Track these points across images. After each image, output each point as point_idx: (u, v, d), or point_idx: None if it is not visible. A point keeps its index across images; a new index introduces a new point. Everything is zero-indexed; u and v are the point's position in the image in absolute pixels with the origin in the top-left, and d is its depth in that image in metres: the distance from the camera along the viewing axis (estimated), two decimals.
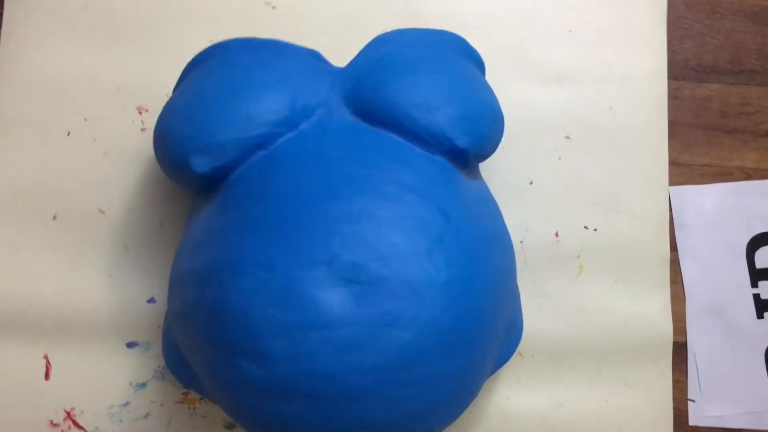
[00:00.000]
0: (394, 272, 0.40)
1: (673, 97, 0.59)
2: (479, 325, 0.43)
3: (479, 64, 0.53)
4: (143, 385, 0.54)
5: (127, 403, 0.53)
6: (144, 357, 0.54)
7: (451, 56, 0.50)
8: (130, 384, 0.54)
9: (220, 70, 0.48)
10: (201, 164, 0.45)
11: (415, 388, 0.41)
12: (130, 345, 0.54)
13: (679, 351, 0.56)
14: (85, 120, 0.56)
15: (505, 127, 0.57)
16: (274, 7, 0.58)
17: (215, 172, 0.45)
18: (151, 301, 0.54)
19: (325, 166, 0.44)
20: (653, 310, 0.56)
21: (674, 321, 0.57)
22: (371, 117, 0.47)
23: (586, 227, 0.57)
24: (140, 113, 0.56)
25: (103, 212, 0.55)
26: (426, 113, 0.46)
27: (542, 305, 0.56)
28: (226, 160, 0.45)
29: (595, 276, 0.57)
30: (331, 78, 0.49)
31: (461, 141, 0.46)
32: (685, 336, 0.57)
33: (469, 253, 0.43)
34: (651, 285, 0.57)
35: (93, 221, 0.55)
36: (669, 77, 0.59)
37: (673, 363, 0.56)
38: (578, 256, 0.57)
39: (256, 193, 0.44)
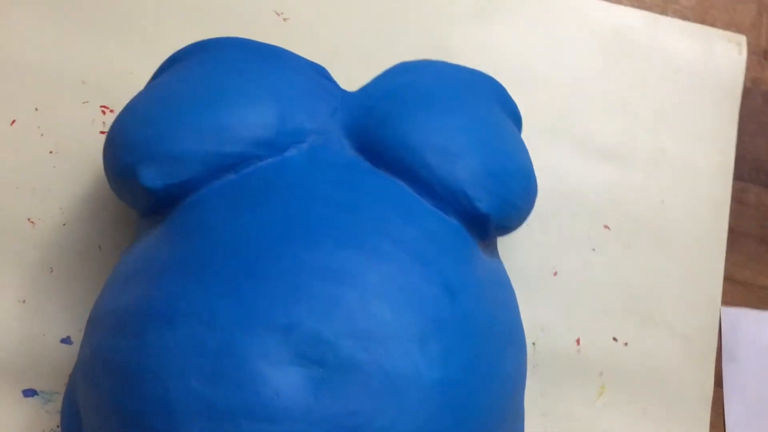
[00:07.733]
0: (371, 358, 0.30)
1: (737, 201, 0.49)
2: None
3: (516, 120, 0.43)
4: None
5: None
6: (41, 411, 0.42)
7: (484, 101, 0.40)
8: None
9: (199, 70, 0.38)
10: (152, 177, 0.35)
11: None
12: (28, 393, 0.42)
13: None
14: (36, 110, 0.46)
15: None
16: (285, 19, 0.50)
17: (168, 190, 0.35)
18: (66, 341, 0.43)
19: (306, 204, 0.34)
20: None
21: None
22: (376, 156, 0.37)
23: (615, 338, 0.46)
24: (104, 113, 0.47)
25: (32, 222, 0.45)
26: (444, 160, 0.36)
27: (549, 427, 0.45)
28: (183, 178, 0.35)
29: (620, 401, 0.45)
30: (335, 102, 0.39)
31: (483, 203, 0.36)
32: None
33: (475, 347, 0.33)
34: (687, 425, 0.46)
35: (17, 231, 0.44)
36: (734, 177, 0.50)
37: None
38: (601, 374, 0.46)
39: (212, 225, 0.34)
